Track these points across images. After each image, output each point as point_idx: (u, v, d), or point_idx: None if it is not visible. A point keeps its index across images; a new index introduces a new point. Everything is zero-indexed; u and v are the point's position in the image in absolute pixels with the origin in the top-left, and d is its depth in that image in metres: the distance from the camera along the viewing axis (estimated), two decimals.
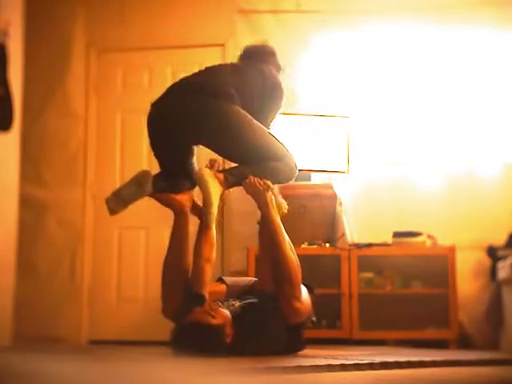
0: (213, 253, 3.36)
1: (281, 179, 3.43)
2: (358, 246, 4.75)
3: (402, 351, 3.96)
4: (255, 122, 3.38)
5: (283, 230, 3.29)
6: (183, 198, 3.44)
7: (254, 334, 3.12)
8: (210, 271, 3.35)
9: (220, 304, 3.13)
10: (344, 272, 4.68)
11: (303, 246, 4.72)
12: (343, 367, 2.61)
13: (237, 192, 5.12)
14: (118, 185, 5.35)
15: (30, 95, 5.12)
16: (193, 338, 3.01)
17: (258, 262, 3.41)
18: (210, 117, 3.31)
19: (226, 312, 3.11)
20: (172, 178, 3.45)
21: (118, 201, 3.24)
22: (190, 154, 3.49)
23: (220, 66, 3.69)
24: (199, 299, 3.15)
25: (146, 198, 5.19)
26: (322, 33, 5.31)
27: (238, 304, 3.23)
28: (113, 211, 3.26)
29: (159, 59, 5.50)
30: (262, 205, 3.33)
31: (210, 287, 3.36)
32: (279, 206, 3.46)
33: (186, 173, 3.47)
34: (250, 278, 3.57)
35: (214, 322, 3.02)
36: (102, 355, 3.46)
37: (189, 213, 3.46)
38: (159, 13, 5.43)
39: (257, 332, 3.13)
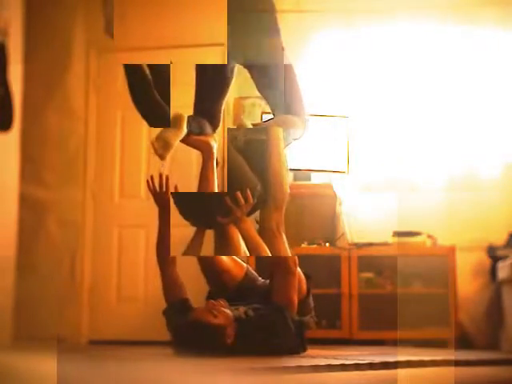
0: None
1: (295, 138, 3.43)
2: (358, 246, 4.75)
3: (401, 351, 3.96)
4: None
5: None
6: (210, 140, 3.48)
7: (255, 342, 3.10)
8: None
9: (222, 303, 3.12)
10: (344, 272, 4.67)
11: (303, 245, 4.72)
12: (343, 367, 2.60)
13: None
14: (117, 185, 5.48)
15: (30, 95, 5.12)
16: (193, 336, 3.01)
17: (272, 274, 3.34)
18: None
19: (229, 312, 3.10)
20: (197, 119, 3.48)
21: (164, 144, 3.26)
22: (226, 90, 3.56)
23: None
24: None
25: (145, 198, 5.23)
26: (322, 32, 5.31)
27: (242, 309, 3.18)
28: (162, 156, 3.27)
29: (159, 59, 5.48)
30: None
31: (235, 259, 3.42)
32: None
33: (212, 114, 3.52)
34: (264, 281, 3.53)
35: (216, 321, 3.01)
36: (102, 355, 3.45)
37: (215, 155, 3.49)
38: (159, 13, 5.42)
39: (258, 341, 3.11)
